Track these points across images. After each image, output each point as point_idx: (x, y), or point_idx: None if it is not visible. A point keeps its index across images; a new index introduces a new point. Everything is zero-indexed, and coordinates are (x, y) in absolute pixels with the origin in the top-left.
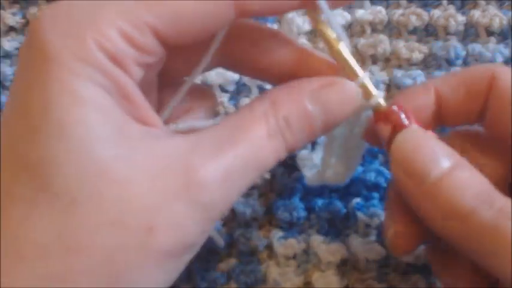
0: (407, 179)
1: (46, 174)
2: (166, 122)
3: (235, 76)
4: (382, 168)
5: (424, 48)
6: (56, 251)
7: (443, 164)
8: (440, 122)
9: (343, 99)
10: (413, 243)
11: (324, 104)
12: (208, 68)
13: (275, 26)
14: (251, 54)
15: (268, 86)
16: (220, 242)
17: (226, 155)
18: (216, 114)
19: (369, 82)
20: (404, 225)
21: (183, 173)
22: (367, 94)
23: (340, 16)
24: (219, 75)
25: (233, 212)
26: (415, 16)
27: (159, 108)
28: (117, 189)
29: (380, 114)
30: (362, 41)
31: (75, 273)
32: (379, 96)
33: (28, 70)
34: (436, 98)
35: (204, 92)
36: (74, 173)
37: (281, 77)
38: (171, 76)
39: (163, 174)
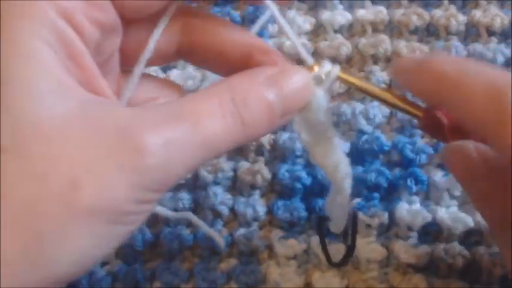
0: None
1: None
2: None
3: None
4: (383, 169)
5: (425, 48)
6: None
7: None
8: None
9: (298, 83)
10: None
11: (281, 88)
12: (171, 59)
13: (275, 27)
14: (204, 43)
15: None
16: (221, 243)
17: (168, 126)
18: None
19: (306, 55)
20: None
21: (118, 136)
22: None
23: (341, 16)
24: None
25: (234, 212)
26: (416, 16)
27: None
28: (46, 143)
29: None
30: (363, 41)
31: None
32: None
33: None
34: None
35: (171, 85)
36: (7, 126)
37: (233, 69)
38: (131, 63)
39: (97, 134)
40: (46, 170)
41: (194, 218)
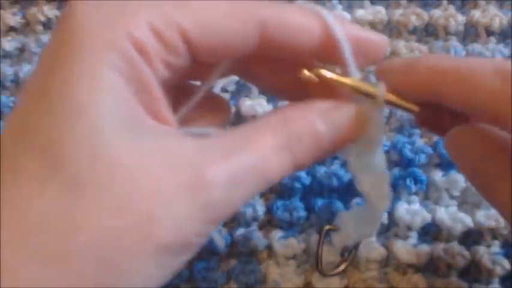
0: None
1: (58, 155)
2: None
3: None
4: None
5: (424, 48)
6: (56, 229)
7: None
8: None
9: (351, 119)
10: None
11: (333, 124)
12: (223, 75)
13: None
14: (268, 74)
15: None
16: (221, 243)
17: (232, 160)
18: (230, 124)
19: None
20: None
21: (189, 170)
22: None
23: (340, 16)
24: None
25: None
26: (415, 16)
27: (173, 113)
28: (124, 176)
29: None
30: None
31: (70, 252)
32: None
33: (55, 50)
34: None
35: (219, 102)
36: (84, 156)
37: (291, 95)
38: (187, 84)
39: (170, 168)
40: (124, 203)
41: None
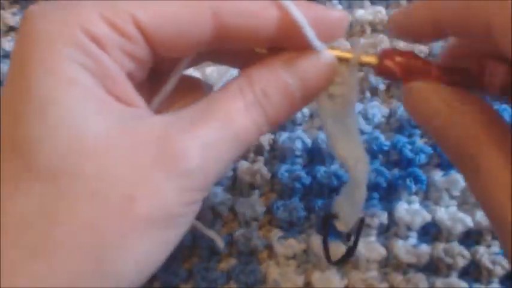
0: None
1: (29, 152)
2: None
3: (236, 74)
4: (382, 168)
5: (424, 48)
6: (38, 223)
7: (439, 118)
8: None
9: (318, 66)
10: None
11: (300, 72)
12: (196, 63)
13: None
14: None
15: None
16: (221, 243)
17: (201, 127)
18: None
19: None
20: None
21: (159, 145)
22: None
23: None
24: (220, 74)
25: (233, 212)
26: None
27: (149, 101)
28: (97, 163)
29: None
30: (362, 41)
31: (57, 243)
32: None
33: (17, 55)
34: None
35: (195, 82)
36: (54, 150)
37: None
38: (160, 72)
39: (140, 146)
40: (101, 188)
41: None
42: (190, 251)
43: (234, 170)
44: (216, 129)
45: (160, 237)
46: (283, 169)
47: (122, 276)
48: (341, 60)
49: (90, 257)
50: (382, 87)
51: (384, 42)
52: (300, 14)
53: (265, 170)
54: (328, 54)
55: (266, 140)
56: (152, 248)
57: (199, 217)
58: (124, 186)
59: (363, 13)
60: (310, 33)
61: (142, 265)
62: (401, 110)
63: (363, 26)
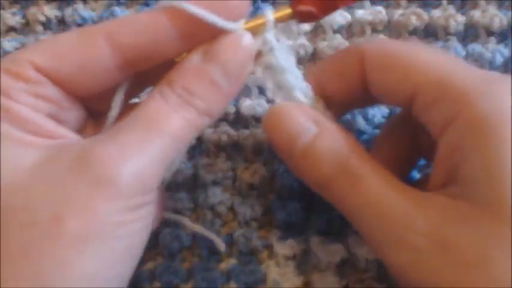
0: (282, 155)
1: None
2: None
3: None
4: None
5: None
6: None
7: (306, 136)
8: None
9: (233, 45)
10: None
11: (217, 58)
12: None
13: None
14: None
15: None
16: (221, 246)
17: (123, 137)
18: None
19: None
20: None
21: (80, 163)
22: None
23: (340, 16)
24: None
25: (233, 212)
26: (415, 16)
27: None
28: (22, 194)
29: None
30: (362, 41)
31: (2, 273)
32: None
33: None
34: (316, 86)
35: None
36: None
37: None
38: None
39: (62, 169)
40: (29, 216)
41: (191, 224)
42: (190, 251)
43: (234, 170)
44: (137, 135)
45: (104, 250)
46: (282, 169)
47: None
48: (259, 29)
49: (33, 283)
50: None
51: None
52: (191, 6)
53: (264, 170)
54: (238, 30)
55: (266, 140)
56: (99, 262)
57: (199, 217)
58: (50, 209)
59: (363, 13)
60: (211, 17)
61: (94, 279)
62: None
63: (363, 26)
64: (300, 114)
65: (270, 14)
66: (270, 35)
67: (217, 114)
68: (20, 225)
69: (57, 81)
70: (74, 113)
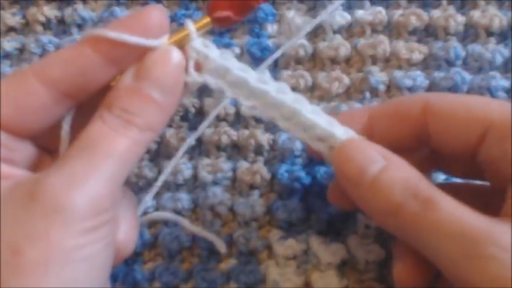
0: (349, 185)
1: None
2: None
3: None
4: None
5: (424, 49)
6: None
7: (375, 166)
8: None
9: (158, 59)
10: (418, 279)
11: (146, 74)
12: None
13: (274, 27)
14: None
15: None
16: (222, 247)
17: (67, 161)
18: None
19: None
20: (409, 262)
21: (29, 195)
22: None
23: (340, 16)
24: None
25: (233, 212)
26: (415, 16)
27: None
28: None
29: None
30: (362, 42)
31: None
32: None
33: None
34: (368, 122)
35: None
36: None
37: None
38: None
39: (15, 204)
40: None
41: (191, 227)
42: (190, 251)
43: (234, 170)
44: (83, 160)
45: (65, 274)
46: (283, 169)
47: None
48: (184, 42)
49: None
50: (382, 87)
51: (384, 42)
52: (110, 32)
53: (264, 170)
54: (161, 45)
55: (266, 140)
56: (62, 286)
57: (199, 218)
58: (8, 244)
59: (363, 13)
60: (132, 39)
61: None
62: None
63: (363, 26)
64: (369, 147)
65: (190, 25)
66: (197, 44)
67: (159, 128)
68: None
69: (11, 130)
70: (26, 153)
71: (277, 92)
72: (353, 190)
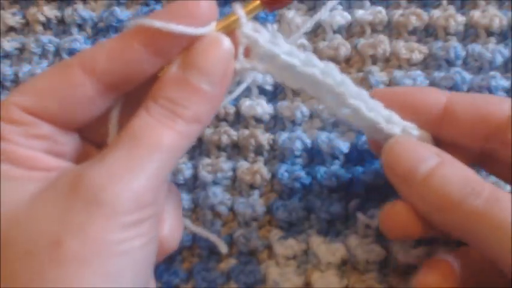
0: (400, 181)
1: None
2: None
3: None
4: (382, 169)
5: (424, 49)
6: None
7: (428, 163)
8: (436, 131)
9: (207, 48)
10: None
11: (195, 64)
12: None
13: (275, 26)
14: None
15: (268, 86)
16: (224, 248)
17: (110, 153)
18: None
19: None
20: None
21: (73, 187)
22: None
23: (340, 16)
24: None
25: (233, 212)
26: (415, 16)
27: None
28: (23, 227)
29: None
30: (362, 42)
31: None
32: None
33: None
34: (446, 104)
35: None
36: None
37: None
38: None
39: (58, 196)
40: (30, 246)
41: (192, 227)
42: (190, 251)
43: (234, 170)
44: (126, 153)
45: (105, 268)
46: (283, 169)
47: None
48: (233, 28)
49: None
50: (382, 87)
51: (384, 42)
52: (156, 22)
53: (265, 170)
54: (210, 32)
55: (266, 140)
56: (101, 280)
57: (199, 217)
58: (49, 235)
59: (363, 13)
60: (178, 28)
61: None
62: None
63: (363, 26)
64: (422, 145)
65: (239, 10)
66: (247, 29)
67: (207, 120)
68: (23, 255)
69: (45, 119)
70: (73, 146)
71: (323, 74)
72: (404, 186)
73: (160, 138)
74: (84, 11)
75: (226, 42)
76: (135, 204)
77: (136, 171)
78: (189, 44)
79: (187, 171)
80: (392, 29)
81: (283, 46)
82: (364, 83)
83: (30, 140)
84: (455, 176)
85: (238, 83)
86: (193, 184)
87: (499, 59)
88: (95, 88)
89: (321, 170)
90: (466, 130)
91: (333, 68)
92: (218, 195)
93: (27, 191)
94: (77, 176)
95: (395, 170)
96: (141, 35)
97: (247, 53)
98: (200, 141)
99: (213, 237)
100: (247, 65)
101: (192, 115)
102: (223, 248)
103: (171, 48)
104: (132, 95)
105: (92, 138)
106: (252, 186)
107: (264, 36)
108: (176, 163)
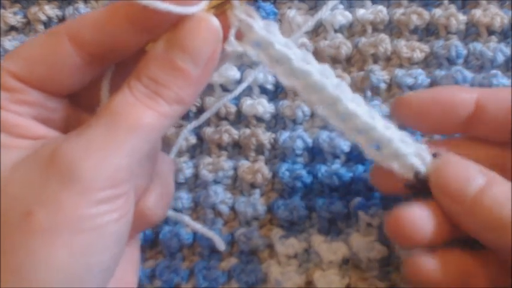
0: (450, 201)
1: None
2: None
3: (237, 75)
4: None
5: (425, 48)
6: None
7: (478, 182)
8: (465, 129)
9: (193, 28)
10: None
11: (180, 44)
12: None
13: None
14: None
15: (269, 86)
16: (221, 245)
17: (88, 129)
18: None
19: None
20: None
21: (50, 159)
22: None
23: (341, 15)
24: (220, 75)
25: (234, 211)
26: (416, 15)
27: None
28: (3, 193)
29: None
30: (363, 40)
31: None
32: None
33: None
34: (476, 102)
35: None
36: None
37: None
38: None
39: (35, 166)
40: (5, 213)
41: (191, 223)
42: (191, 249)
43: (235, 169)
44: (103, 130)
45: (75, 242)
46: (284, 168)
47: (48, 283)
48: (225, 9)
49: (8, 274)
50: (383, 86)
51: (385, 41)
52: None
53: (266, 169)
54: (198, 12)
55: (267, 139)
56: (71, 253)
57: (200, 216)
58: (22, 206)
59: (364, 12)
60: (164, 6)
61: (68, 269)
62: None
63: (364, 25)
64: (467, 163)
65: None
66: (239, 12)
67: (190, 102)
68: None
69: (33, 85)
70: (64, 112)
71: (321, 74)
72: (455, 205)
73: (139, 118)
74: (85, 10)
75: (214, 22)
76: (109, 181)
77: (112, 148)
78: (178, 20)
79: (188, 170)
80: (393, 28)
81: (279, 37)
82: (366, 81)
83: (19, 106)
84: (504, 194)
85: (239, 82)
86: (194, 183)
87: (500, 58)
88: (82, 57)
89: (322, 169)
90: (498, 125)
91: (330, 71)
92: (219, 194)
93: (11, 159)
94: (55, 149)
95: (445, 190)
96: (127, 9)
97: (239, 37)
98: (201, 140)
99: (211, 234)
100: (238, 47)
101: (174, 96)
102: (221, 245)
103: (158, 25)
104: (125, 63)
105: (87, 104)
106: (253, 185)
107: (257, 22)
108: (157, 141)
